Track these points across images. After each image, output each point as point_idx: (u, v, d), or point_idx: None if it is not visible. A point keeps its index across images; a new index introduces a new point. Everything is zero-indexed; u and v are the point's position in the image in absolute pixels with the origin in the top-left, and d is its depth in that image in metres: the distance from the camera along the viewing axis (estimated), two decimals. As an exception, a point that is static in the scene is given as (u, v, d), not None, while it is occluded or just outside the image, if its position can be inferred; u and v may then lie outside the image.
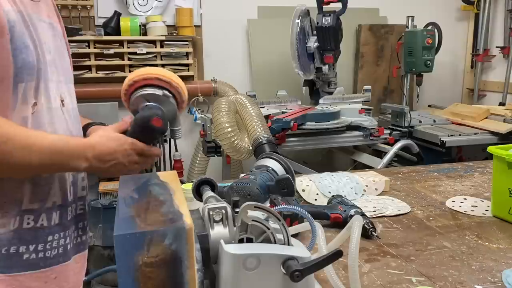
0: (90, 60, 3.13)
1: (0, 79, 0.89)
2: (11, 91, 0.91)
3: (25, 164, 0.89)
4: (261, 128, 2.50)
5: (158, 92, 1.05)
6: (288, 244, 0.73)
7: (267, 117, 2.77)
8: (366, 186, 1.57)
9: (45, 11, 1.04)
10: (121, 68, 3.22)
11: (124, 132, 1.05)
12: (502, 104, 3.62)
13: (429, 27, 3.45)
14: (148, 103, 1.05)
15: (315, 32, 3.00)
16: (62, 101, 1.05)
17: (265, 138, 2.44)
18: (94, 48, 3.12)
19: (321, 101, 3.17)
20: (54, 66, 1.02)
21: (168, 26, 3.34)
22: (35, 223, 0.98)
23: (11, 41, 0.89)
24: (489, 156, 1.37)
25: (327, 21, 2.90)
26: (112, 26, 3.19)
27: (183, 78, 3.36)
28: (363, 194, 1.53)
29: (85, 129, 1.16)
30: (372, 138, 2.95)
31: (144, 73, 1.06)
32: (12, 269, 0.95)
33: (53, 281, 1.01)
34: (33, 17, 0.97)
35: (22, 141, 0.88)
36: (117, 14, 3.24)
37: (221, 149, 2.75)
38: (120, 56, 3.20)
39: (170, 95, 1.08)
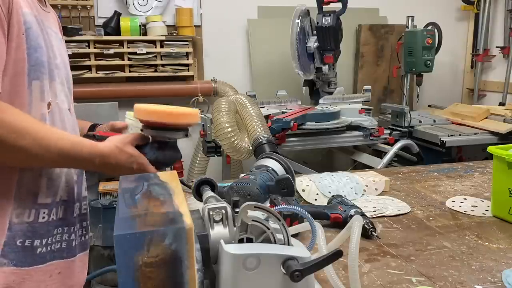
0: (90, 60, 3.13)
1: (15, 74, 0.94)
2: (26, 88, 0.96)
3: (39, 159, 0.92)
4: (261, 128, 2.50)
5: (182, 136, 1.08)
6: (288, 244, 0.73)
7: (267, 117, 2.77)
8: (366, 186, 1.57)
9: (53, 23, 1.11)
10: (121, 68, 3.22)
11: (139, 146, 1.07)
12: (502, 104, 3.62)
13: (429, 27, 3.45)
14: (172, 143, 1.09)
15: (315, 32, 3.00)
16: (68, 104, 1.11)
17: (265, 138, 2.44)
18: (94, 48, 3.12)
19: (321, 101, 3.17)
20: (61, 71, 1.08)
21: (168, 26, 3.34)
22: (48, 217, 1.02)
23: (26, 41, 0.95)
24: (489, 156, 1.37)
25: (327, 21, 2.90)
26: (112, 26, 3.19)
27: (183, 78, 3.40)
28: (363, 194, 1.53)
29: (91, 129, 1.23)
30: (372, 138, 2.95)
31: (173, 121, 1.05)
32: (25, 263, 0.98)
33: (57, 276, 1.04)
34: (45, 24, 1.03)
35: (41, 139, 0.90)
36: (117, 14, 3.24)
37: (221, 149, 2.75)
38: (120, 56, 3.20)
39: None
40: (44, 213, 1.01)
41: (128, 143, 1.04)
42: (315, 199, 1.49)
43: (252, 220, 0.71)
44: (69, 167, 1.05)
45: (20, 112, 0.92)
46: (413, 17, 3.51)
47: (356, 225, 0.85)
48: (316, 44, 3.00)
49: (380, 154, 3.04)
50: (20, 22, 0.93)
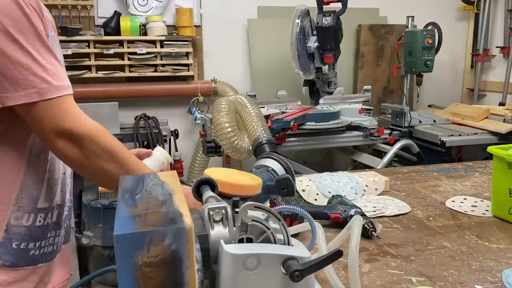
0: (90, 60, 3.13)
1: None
2: None
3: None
4: (261, 128, 2.50)
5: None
6: (288, 244, 0.73)
7: (267, 117, 2.77)
8: (366, 186, 1.57)
9: (51, 27, 1.11)
10: (121, 68, 3.22)
11: None
12: (502, 104, 3.62)
13: (429, 27, 3.45)
14: None
15: (315, 32, 3.00)
16: None
17: (265, 138, 2.44)
18: (94, 48, 3.12)
19: (321, 101, 3.17)
20: None
21: (168, 26, 3.34)
22: (44, 221, 1.04)
23: None
24: (489, 156, 1.37)
25: (327, 21, 2.90)
26: (112, 26, 3.19)
27: (183, 78, 3.40)
28: (363, 194, 1.53)
29: None
30: (372, 138, 2.95)
31: (241, 194, 1.04)
32: (19, 264, 1.00)
33: (46, 276, 1.06)
34: (48, 28, 1.03)
35: (127, 166, 0.98)
36: (117, 14, 3.24)
37: (221, 149, 2.75)
38: (120, 56, 3.20)
39: None
40: (40, 217, 1.03)
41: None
42: (315, 199, 1.49)
43: (252, 220, 0.71)
44: None
45: (113, 137, 0.99)
46: (413, 17, 3.51)
47: (356, 225, 0.85)
48: (316, 44, 3.00)
49: (380, 154, 3.04)
50: (46, 32, 0.96)
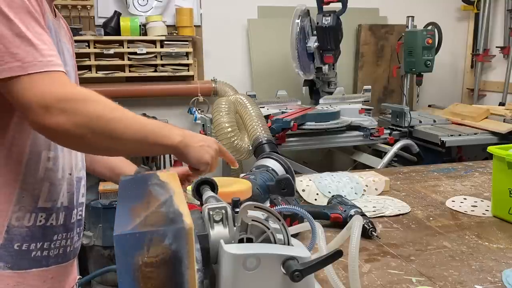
0: (90, 60, 3.13)
1: None
2: None
3: (129, 131, 0.89)
4: (261, 128, 2.50)
5: None
6: (288, 244, 0.73)
7: (267, 117, 2.77)
8: (366, 186, 1.57)
9: (64, 36, 1.09)
10: (121, 68, 3.22)
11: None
12: (502, 104, 3.62)
13: (429, 27, 3.45)
14: None
15: (315, 32, 3.00)
16: None
17: (265, 138, 2.44)
18: (94, 48, 3.11)
19: (321, 101, 3.17)
20: (72, 79, 1.07)
21: (168, 26, 3.34)
22: (46, 222, 1.02)
23: None
24: (489, 156, 1.37)
25: (327, 21, 2.90)
26: (112, 26, 3.19)
27: (183, 78, 3.40)
28: (363, 194, 1.53)
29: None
30: (372, 138, 2.95)
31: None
32: (20, 266, 0.98)
33: (50, 280, 1.04)
34: (57, 32, 1.02)
35: (129, 112, 0.91)
36: (117, 14, 3.24)
37: (221, 149, 2.74)
38: (120, 56, 3.20)
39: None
40: (41, 216, 1.01)
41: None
42: (315, 199, 1.49)
43: (252, 220, 0.71)
44: (155, 140, 0.96)
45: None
46: (413, 17, 3.51)
47: (356, 225, 0.85)
48: (316, 44, 3.00)
49: (380, 154, 3.04)
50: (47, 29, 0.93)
